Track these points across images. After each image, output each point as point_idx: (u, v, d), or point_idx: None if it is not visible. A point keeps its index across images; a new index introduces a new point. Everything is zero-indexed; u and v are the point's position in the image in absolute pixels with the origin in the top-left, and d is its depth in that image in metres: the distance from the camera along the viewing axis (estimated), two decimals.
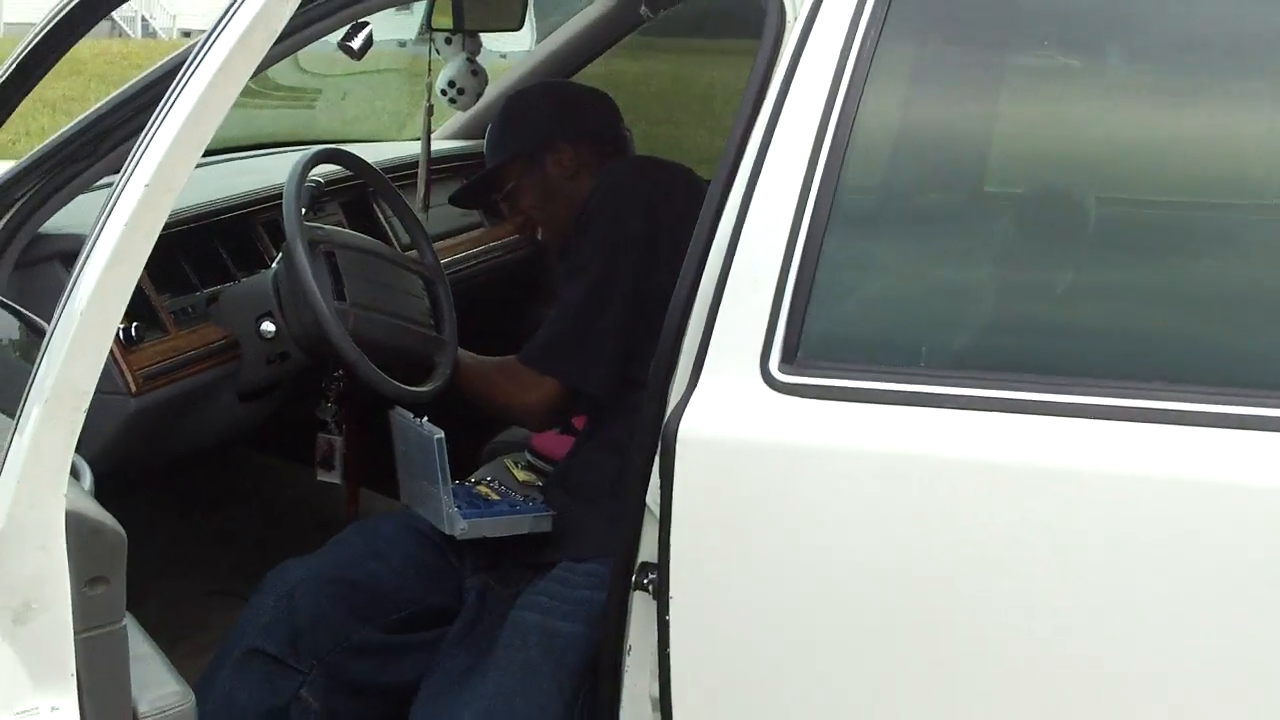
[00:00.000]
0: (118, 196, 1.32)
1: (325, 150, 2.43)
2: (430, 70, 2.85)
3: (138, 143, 1.36)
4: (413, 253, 2.57)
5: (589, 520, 2.12)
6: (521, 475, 2.43)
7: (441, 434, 2.11)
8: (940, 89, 1.78)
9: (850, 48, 1.65)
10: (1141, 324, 1.68)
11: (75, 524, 1.32)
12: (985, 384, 1.59)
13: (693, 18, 3.21)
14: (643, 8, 2.83)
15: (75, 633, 1.34)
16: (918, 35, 1.71)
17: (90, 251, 1.32)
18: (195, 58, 1.36)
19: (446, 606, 2.18)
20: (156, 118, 1.36)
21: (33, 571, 1.29)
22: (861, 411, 1.63)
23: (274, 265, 2.37)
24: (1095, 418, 1.54)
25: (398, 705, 2.09)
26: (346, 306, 2.20)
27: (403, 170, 2.95)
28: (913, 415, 1.61)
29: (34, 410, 1.27)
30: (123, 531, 1.38)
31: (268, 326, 2.28)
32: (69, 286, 1.31)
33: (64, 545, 1.31)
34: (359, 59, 2.32)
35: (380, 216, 2.96)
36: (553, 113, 2.46)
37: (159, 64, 2.12)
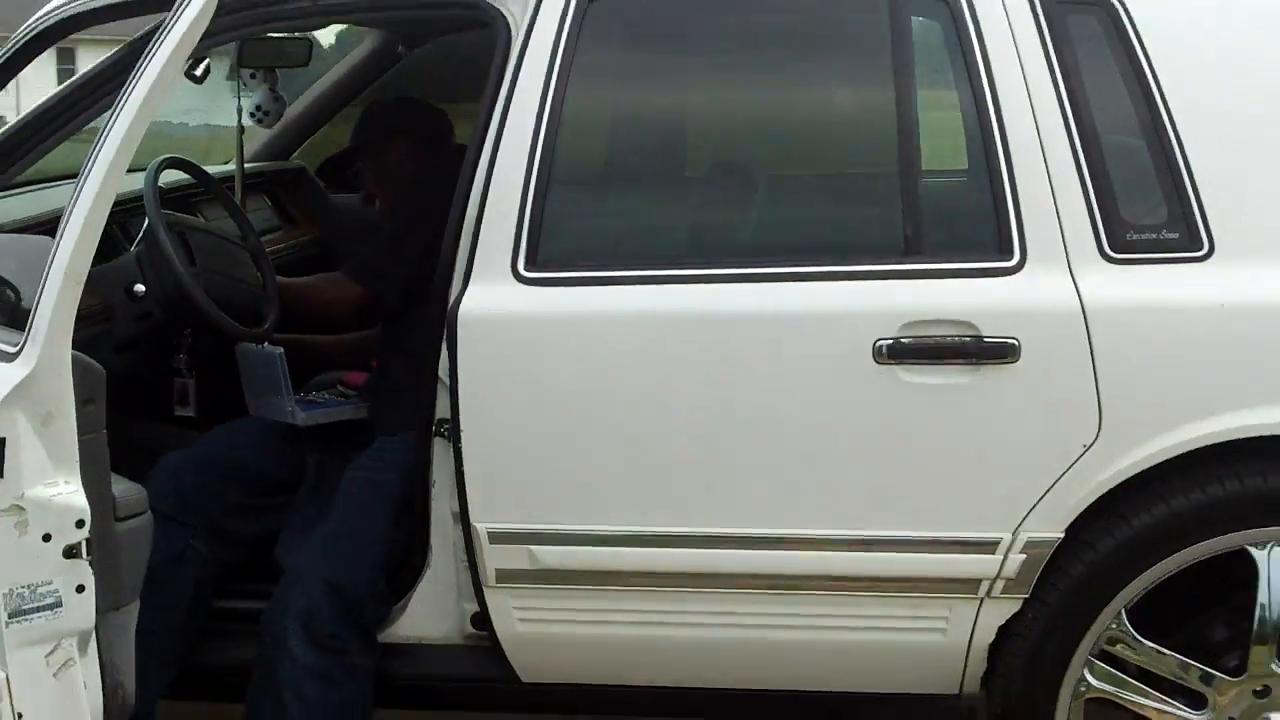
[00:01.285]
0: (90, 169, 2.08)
1: (171, 157, 3.17)
2: (239, 100, 3.63)
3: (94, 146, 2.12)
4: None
5: (394, 408, 2.90)
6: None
7: (282, 350, 2.88)
8: (618, 76, 2.66)
9: (557, 50, 2.52)
10: (742, 230, 2.62)
11: (74, 361, 2.08)
12: (654, 267, 2.50)
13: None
14: (399, 47, 3.68)
15: (79, 437, 2.09)
16: (604, 40, 2.57)
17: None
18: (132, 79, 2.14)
19: (294, 477, 2.95)
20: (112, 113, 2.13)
21: (54, 391, 2.04)
22: (577, 291, 2.50)
23: (134, 247, 3.09)
24: (717, 282, 2.45)
25: (261, 549, 2.84)
26: (197, 271, 2.94)
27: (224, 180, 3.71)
28: (612, 291, 2.49)
29: (53, 286, 2.02)
30: (102, 369, 2.14)
31: (139, 288, 2.99)
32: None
33: (70, 375, 2.07)
34: (200, 83, 3.09)
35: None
36: (396, 119, 3.27)
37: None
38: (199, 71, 3.06)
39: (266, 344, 2.93)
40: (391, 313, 3.08)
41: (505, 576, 2.56)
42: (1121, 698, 2.53)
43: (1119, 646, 2.50)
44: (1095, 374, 2.36)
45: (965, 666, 2.54)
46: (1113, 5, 2.45)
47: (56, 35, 2.75)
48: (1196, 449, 2.37)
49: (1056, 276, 2.39)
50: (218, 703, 2.85)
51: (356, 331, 3.35)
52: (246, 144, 3.84)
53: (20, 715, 2.03)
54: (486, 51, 2.60)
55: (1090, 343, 2.36)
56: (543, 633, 2.61)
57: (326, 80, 4.08)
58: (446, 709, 2.88)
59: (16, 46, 2.74)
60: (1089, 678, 2.51)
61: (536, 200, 2.50)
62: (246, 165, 3.95)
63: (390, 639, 2.73)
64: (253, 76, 3.55)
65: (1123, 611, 2.47)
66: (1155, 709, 2.52)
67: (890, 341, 2.38)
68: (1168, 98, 2.41)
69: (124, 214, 3.23)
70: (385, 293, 3.02)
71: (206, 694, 2.86)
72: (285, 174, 4.14)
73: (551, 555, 2.53)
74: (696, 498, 2.49)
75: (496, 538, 2.54)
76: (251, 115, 3.59)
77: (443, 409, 2.56)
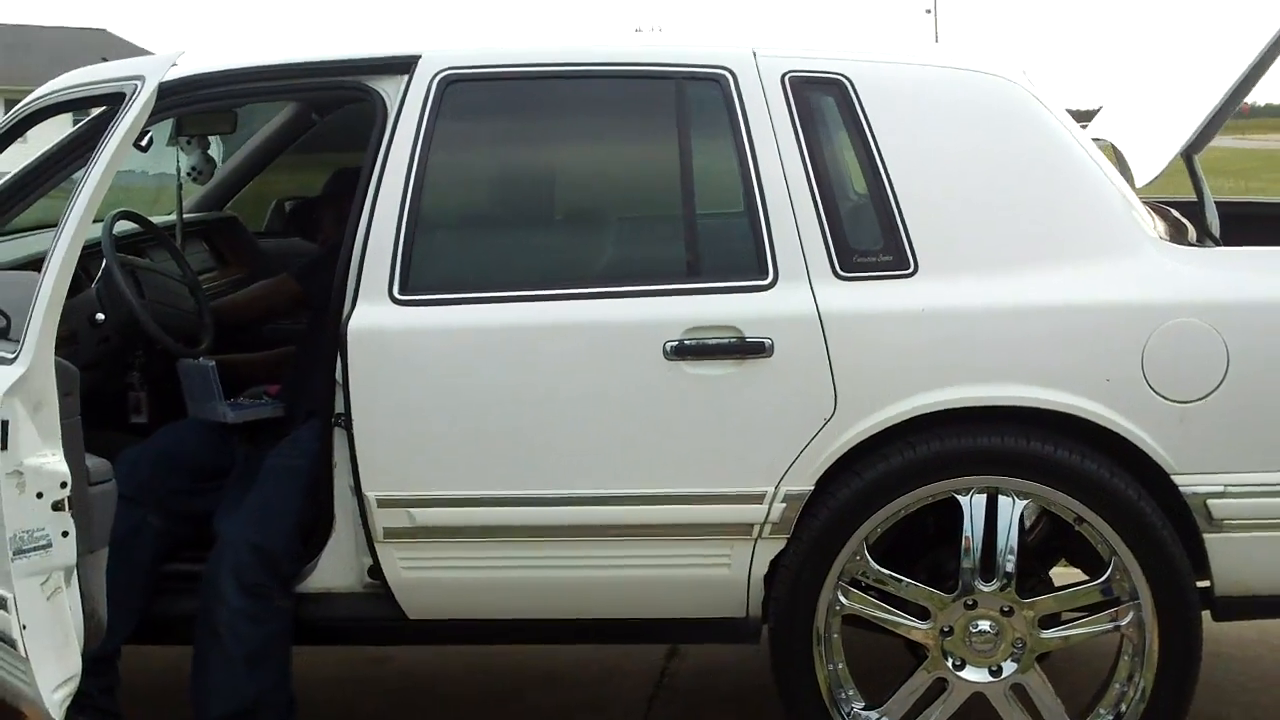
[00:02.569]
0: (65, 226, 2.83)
1: (123, 211, 3.91)
2: (178, 162, 4.37)
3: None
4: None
5: (303, 407, 3.64)
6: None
7: (214, 363, 3.62)
8: (467, 143, 3.42)
9: (421, 122, 3.28)
10: (563, 260, 3.40)
11: (55, 364, 2.82)
12: (496, 290, 3.26)
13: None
14: (313, 114, 4.45)
15: (61, 420, 2.83)
16: (457, 116, 3.34)
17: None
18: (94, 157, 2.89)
19: (227, 466, 3.69)
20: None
21: (42, 385, 2.78)
22: (438, 310, 3.25)
23: (95, 283, 3.81)
24: (544, 300, 3.21)
25: (202, 524, 3.57)
26: (146, 302, 3.67)
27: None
28: (466, 309, 3.25)
29: (41, 307, 2.77)
30: (76, 370, 2.89)
31: (99, 317, 3.70)
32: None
33: (54, 373, 2.81)
34: (145, 151, 3.84)
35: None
36: (333, 184, 4.03)
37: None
38: (144, 142, 3.82)
39: (202, 359, 3.66)
40: (306, 326, 3.82)
41: (391, 534, 3.30)
42: (867, 613, 3.29)
43: (864, 574, 3.26)
44: (830, 365, 3.13)
45: (748, 593, 3.28)
46: (843, 83, 3.23)
47: (52, 113, 3.50)
48: (907, 419, 3.13)
49: (800, 291, 3.16)
50: (173, 646, 3.58)
51: (287, 318, 4.09)
52: (187, 197, 4.59)
53: (25, 626, 2.77)
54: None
55: (826, 341, 3.13)
56: (421, 578, 3.34)
57: (253, 143, 4.83)
58: (354, 644, 3.63)
59: (14, 121, 3.49)
60: (841, 598, 3.26)
61: (406, 240, 3.26)
62: (186, 215, 4.68)
63: (306, 589, 3.44)
64: (189, 142, 4.29)
65: (864, 545, 3.22)
66: (892, 621, 3.29)
67: (676, 343, 3.15)
68: (884, 154, 3.19)
69: (85, 256, 3.94)
70: (315, 293, 3.73)
71: (162, 639, 3.58)
72: (219, 222, 4.88)
73: (425, 515, 3.27)
74: (532, 467, 3.23)
75: (383, 503, 3.28)
76: (188, 174, 4.34)
77: (340, 405, 3.31)
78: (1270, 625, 4.41)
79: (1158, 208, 3.68)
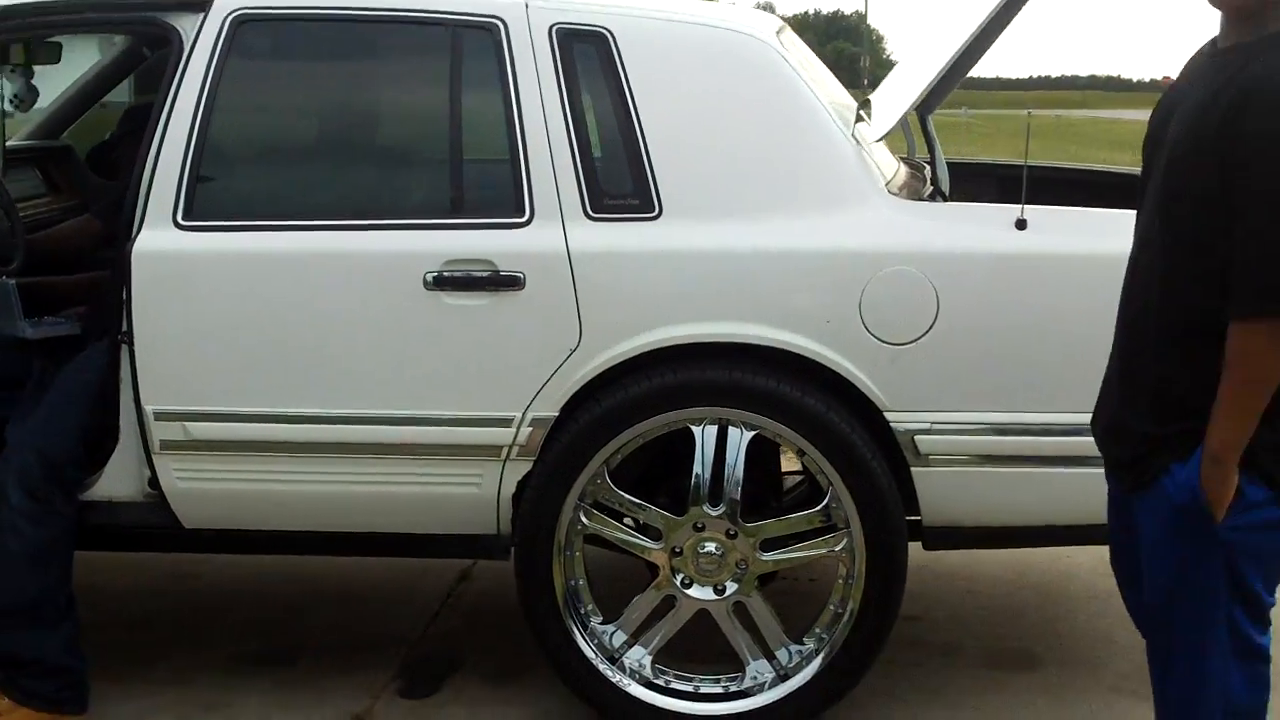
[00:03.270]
0: None
1: None
2: (2, 89, 4.53)
3: None
4: None
5: (95, 327, 3.83)
6: None
7: (14, 282, 3.80)
8: (256, 79, 3.62)
9: (212, 59, 3.47)
10: (336, 194, 3.61)
11: None
12: (274, 219, 3.47)
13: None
14: (144, 49, 4.61)
15: None
16: (247, 53, 3.53)
17: None
18: None
19: (24, 376, 3.87)
20: None
21: None
22: (218, 236, 3.46)
23: None
24: (317, 230, 3.42)
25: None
26: None
27: None
28: (244, 235, 3.46)
29: None
30: None
31: None
32: None
33: None
34: None
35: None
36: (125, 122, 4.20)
37: None
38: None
39: (4, 278, 3.84)
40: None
41: (167, 445, 3.51)
42: (605, 533, 3.55)
43: (603, 495, 3.51)
44: (577, 299, 3.37)
45: (498, 511, 3.53)
46: (605, 36, 3.45)
47: None
48: (645, 352, 3.38)
49: (553, 230, 3.39)
50: None
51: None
52: (27, 124, 4.78)
53: None
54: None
55: (574, 277, 3.36)
56: (194, 488, 3.56)
57: (88, 75, 4.98)
58: (136, 550, 3.85)
59: None
60: (582, 518, 3.51)
61: (191, 169, 3.46)
62: (20, 142, 4.84)
63: (92, 497, 3.64)
64: (12, 71, 4.44)
65: (604, 469, 3.47)
66: (627, 540, 3.55)
67: (435, 273, 3.37)
68: (638, 104, 3.42)
69: None
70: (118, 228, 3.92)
71: None
72: (53, 150, 5.02)
73: (198, 429, 3.48)
74: (299, 386, 3.45)
75: (160, 416, 3.49)
76: (10, 102, 4.50)
77: (125, 322, 3.50)
78: (1077, 555, 4.69)
79: (913, 164, 3.94)
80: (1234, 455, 2.34)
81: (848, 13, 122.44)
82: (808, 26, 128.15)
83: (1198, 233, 2.32)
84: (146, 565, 4.62)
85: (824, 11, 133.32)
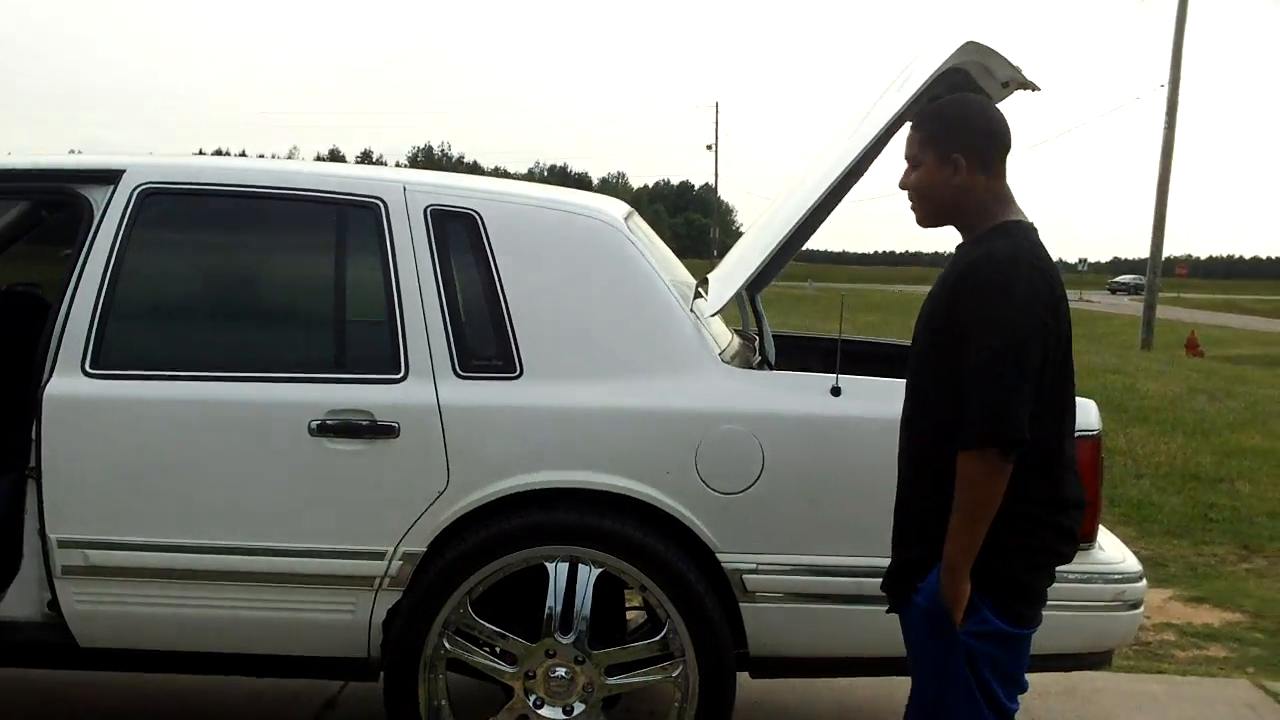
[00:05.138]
0: None
1: None
2: None
3: None
4: None
5: (4, 460, 4.19)
6: None
7: None
8: (159, 246, 4.05)
9: (120, 225, 3.90)
10: (233, 348, 4.02)
11: None
12: (172, 370, 3.88)
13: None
14: (42, 212, 5.01)
15: None
16: (152, 222, 3.96)
17: None
18: None
19: None
20: None
21: None
22: (121, 384, 3.85)
23: None
24: (214, 381, 3.83)
25: None
26: None
27: None
28: (145, 384, 3.85)
29: None
30: None
31: None
32: None
33: None
34: None
35: None
36: None
37: None
38: None
39: None
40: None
41: (68, 571, 3.86)
42: (467, 658, 3.94)
43: (465, 623, 3.90)
44: (446, 448, 3.80)
45: (369, 636, 3.90)
46: (474, 217, 3.93)
47: None
48: (506, 496, 3.81)
49: (425, 385, 3.83)
50: None
51: None
52: None
53: None
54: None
55: (443, 427, 3.80)
56: (91, 611, 3.90)
57: None
58: (36, 668, 4.17)
59: None
60: (445, 644, 3.90)
61: (100, 323, 3.87)
62: None
63: None
64: None
65: (467, 599, 3.87)
66: (486, 665, 3.94)
67: (319, 421, 3.79)
68: (502, 277, 3.89)
69: None
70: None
71: None
72: None
73: (98, 556, 3.85)
74: (192, 519, 3.83)
75: (64, 544, 3.85)
76: None
77: (34, 459, 3.87)
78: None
79: (746, 336, 4.45)
80: (964, 564, 2.91)
81: (697, 185, 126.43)
82: (659, 197, 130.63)
83: (932, 385, 2.98)
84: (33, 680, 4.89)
85: (674, 182, 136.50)
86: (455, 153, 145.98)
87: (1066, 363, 3.01)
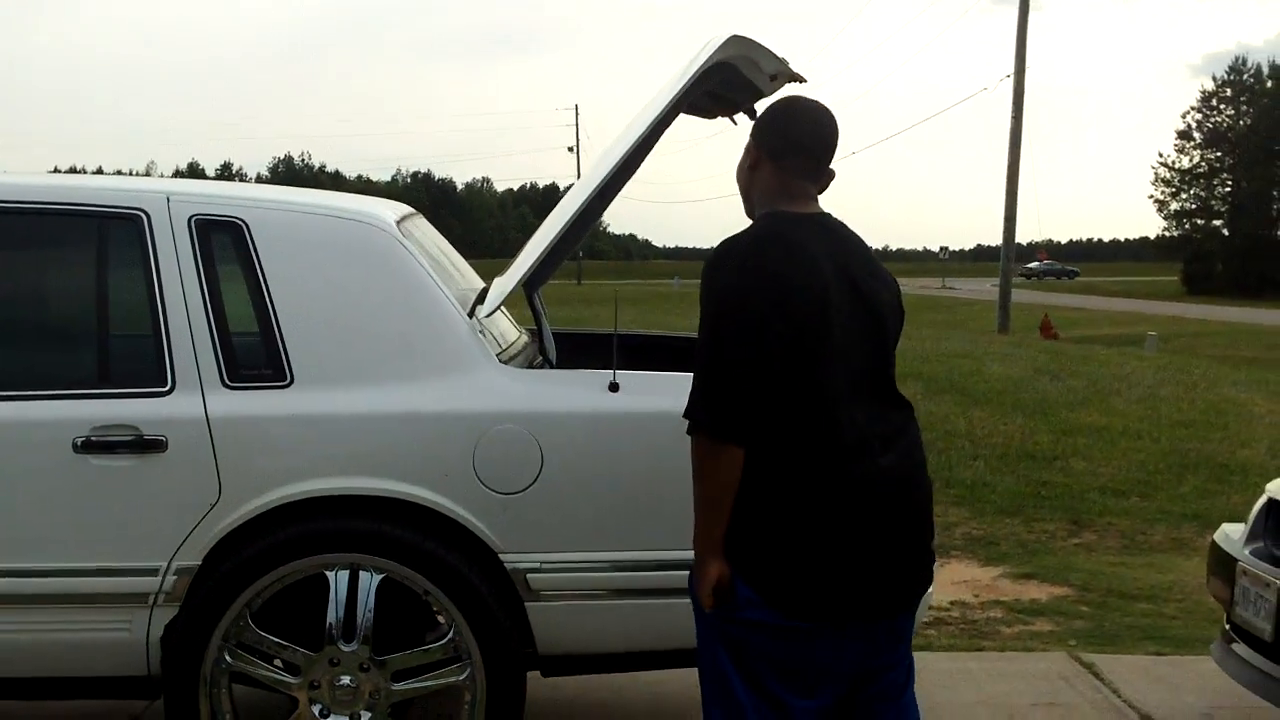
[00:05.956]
0: None
1: None
2: None
3: None
4: None
5: None
6: None
7: None
8: None
9: None
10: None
11: None
12: None
13: None
14: None
15: None
16: None
17: None
18: None
19: None
20: None
21: None
22: None
23: None
24: None
25: None
26: None
27: None
28: None
29: None
30: None
31: None
32: None
33: None
34: None
35: None
36: None
37: None
38: None
39: None
40: None
41: None
42: (249, 670, 3.88)
43: (246, 636, 3.84)
44: (216, 459, 3.73)
45: (148, 654, 3.83)
46: (240, 225, 3.87)
47: None
48: (281, 505, 3.76)
49: (193, 397, 3.76)
50: None
51: None
52: None
53: None
54: None
55: (212, 439, 3.74)
56: None
57: None
58: None
59: None
60: (227, 657, 3.83)
61: None
62: None
63: None
64: None
65: (246, 612, 3.81)
66: (268, 676, 3.88)
67: (84, 438, 3.71)
68: (270, 285, 3.83)
69: None
70: None
71: None
72: None
73: None
74: None
75: None
76: None
77: None
78: None
79: (533, 335, 4.44)
80: (702, 546, 2.95)
81: (562, 186, 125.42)
82: (525, 200, 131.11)
83: None
84: None
85: (540, 185, 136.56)
86: (316, 162, 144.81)
87: (825, 355, 2.94)
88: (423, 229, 4.35)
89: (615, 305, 3.99)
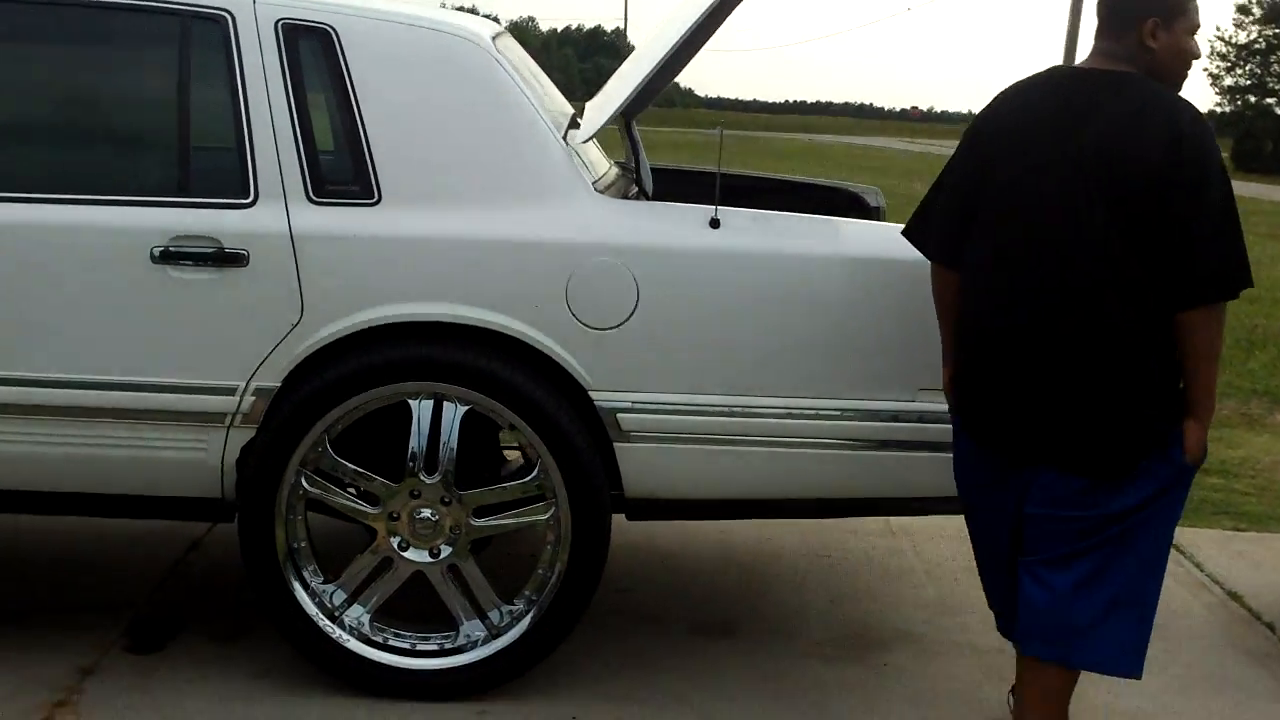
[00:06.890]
0: None
1: None
2: None
3: None
4: None
5: None
6: None
7: None
8: None
9: None
10: (79, 172, 3.72)
11: None
12: (11, 191, 3.58)
13: None
14: None
15: None
16: None
17: None
18: None
19: None
20: None
21: None
22: None
23: None
24: (52, 203, 3.55)
25: None
26: None
27: None
28: None
29: None
30: None
31: None
32: None
33: None
34: None
35: None
36: None
37: None
38: None
39: None
40: None
41: None
42: (327, 498, 3.75)
43: (325, 463, 3.71)
44: (299, 277, 3.56)
45: (223, 476, 3.70)
46: (329, 32, 3.64)
47: None
48: (364, 329, 3.59)
49: (276, 211, 3.58)
50: None
51: None
52: None
53: None
54: None
55: (296, 256, 3.56)
56: None
57: None
58: None
59: None
60: (303, 483, 3.71)
61: None
62: None
63: None
64: None
65: (326, 437, 3.67)
66: (347, 505, 3.76)
67: (162, 248, 3.54)
68: (359, 98, 3.62)
69: None
70: None
71: None
72: None
73: None
74: (33, 350, 3.57)
75: None
76: None
77: None
78: (782, 537, 5.08)
79: (626, 168, 4.22)
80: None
81: (609, 29, 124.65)
82: (569, 41, 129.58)
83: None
84: None
85: (586, 27, 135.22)
86: None
87: None
88: (514, 48, 4.12)
89: (720, 139, 3.75)
